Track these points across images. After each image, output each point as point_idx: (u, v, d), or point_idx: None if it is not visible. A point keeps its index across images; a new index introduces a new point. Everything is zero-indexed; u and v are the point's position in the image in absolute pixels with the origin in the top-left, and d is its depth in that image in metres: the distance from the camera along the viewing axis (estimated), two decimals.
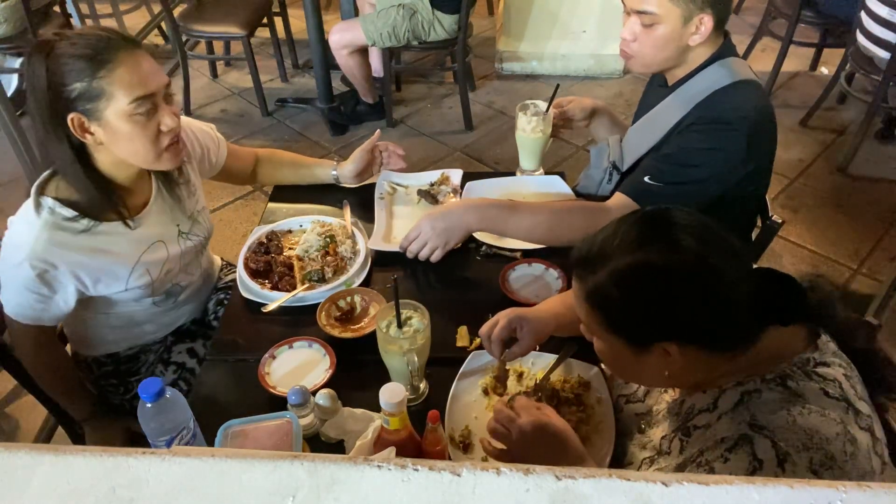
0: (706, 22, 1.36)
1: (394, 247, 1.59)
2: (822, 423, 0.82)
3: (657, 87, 1.59)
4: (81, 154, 1.24)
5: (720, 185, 1.41)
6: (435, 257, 1.48)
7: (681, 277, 0.86)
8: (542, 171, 1.82)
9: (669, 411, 1.02)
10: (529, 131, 1.72)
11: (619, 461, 1.11)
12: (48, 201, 1.25)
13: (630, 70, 1.54)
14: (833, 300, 0.94)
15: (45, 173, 1.28)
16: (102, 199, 1.28)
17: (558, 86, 1.76)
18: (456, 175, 1.78)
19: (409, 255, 1.50)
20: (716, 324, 0.87)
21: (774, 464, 0.80)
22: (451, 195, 1.72)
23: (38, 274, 1.25)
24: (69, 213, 1.25)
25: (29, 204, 1.26)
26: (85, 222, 1.27)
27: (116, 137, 1.22)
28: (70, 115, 1.18)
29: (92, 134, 1.22)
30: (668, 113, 1.49)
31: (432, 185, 1.76)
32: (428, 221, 1.46)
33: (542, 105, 1.71)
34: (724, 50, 1.45)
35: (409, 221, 1.68)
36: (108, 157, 1.27)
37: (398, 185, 1.79)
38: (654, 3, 1.36)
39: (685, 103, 1.45)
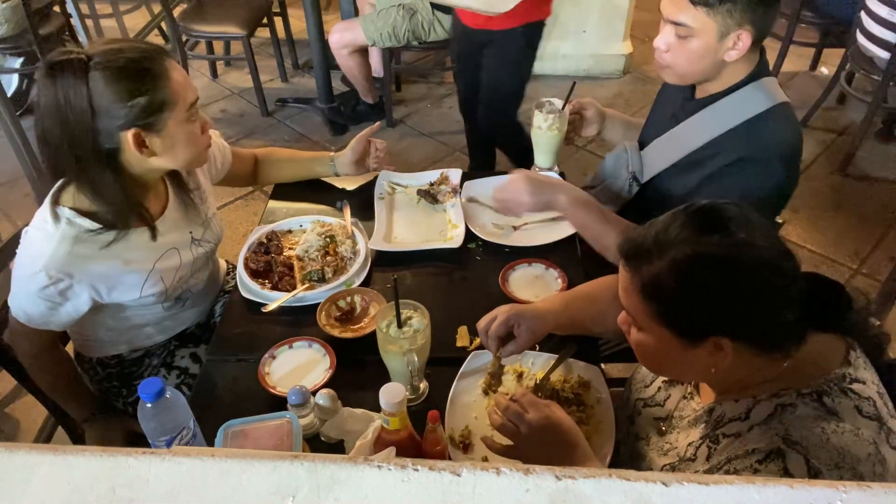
0: (744, 38, 1.31)
1: (394, 247, 1.59)
2: (855, 442, 0.82)
3: (679, 95, 1.53)
4: (114, 166, 1.24)
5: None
6: (516, 212, 1.54)
7: (741, 268, 0.85)
8: (557, 168, 1.82)
9: (697, 419, 1.01)
10: (546, 129, 1.71)
11: (637, 466, 1.10)
12: (66, 212, 1.24)
13: (664, 79, 1.48)
14: (870, 312, 0.94)
15: (59, 182, 1.27)
16: (128, 208, 1.28)
17: (574, 83, 1.76)
18: (455, 175, 1.78)
19: (498, 202, 1.53)
20: (770, 319, 0.86)
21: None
22: (451, 195, 1.72)
23: (54, 284, 1.24)
24: (88, 223, 1.25)
25: (45, 214, 1.24)
26: (105, 234, 1.26)
27: (174, 143, 1.24)
28: (130, 132, 1.18)
29: (147, 147, 1.22)
30: (697, 131, 1.44)
31: (432, 184, 1.76)
32: (525, 182, 1.47)
33: (558, 103, 1.71)
34: (760, 69, 1.39)
35: (409, 222, 1.68)
36: (137, 168, 1.27)
37: (398, 185, 1.79)
38: (690, 16, 1.31)
39: (717, 125, 1.41)
